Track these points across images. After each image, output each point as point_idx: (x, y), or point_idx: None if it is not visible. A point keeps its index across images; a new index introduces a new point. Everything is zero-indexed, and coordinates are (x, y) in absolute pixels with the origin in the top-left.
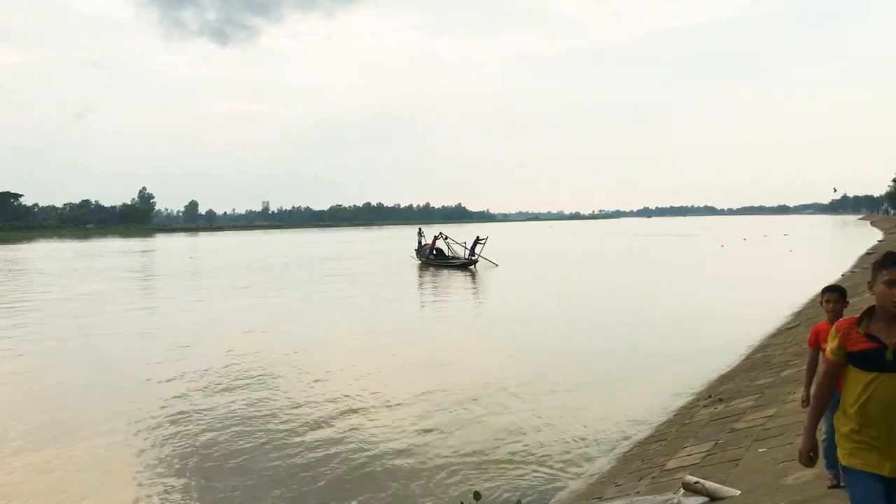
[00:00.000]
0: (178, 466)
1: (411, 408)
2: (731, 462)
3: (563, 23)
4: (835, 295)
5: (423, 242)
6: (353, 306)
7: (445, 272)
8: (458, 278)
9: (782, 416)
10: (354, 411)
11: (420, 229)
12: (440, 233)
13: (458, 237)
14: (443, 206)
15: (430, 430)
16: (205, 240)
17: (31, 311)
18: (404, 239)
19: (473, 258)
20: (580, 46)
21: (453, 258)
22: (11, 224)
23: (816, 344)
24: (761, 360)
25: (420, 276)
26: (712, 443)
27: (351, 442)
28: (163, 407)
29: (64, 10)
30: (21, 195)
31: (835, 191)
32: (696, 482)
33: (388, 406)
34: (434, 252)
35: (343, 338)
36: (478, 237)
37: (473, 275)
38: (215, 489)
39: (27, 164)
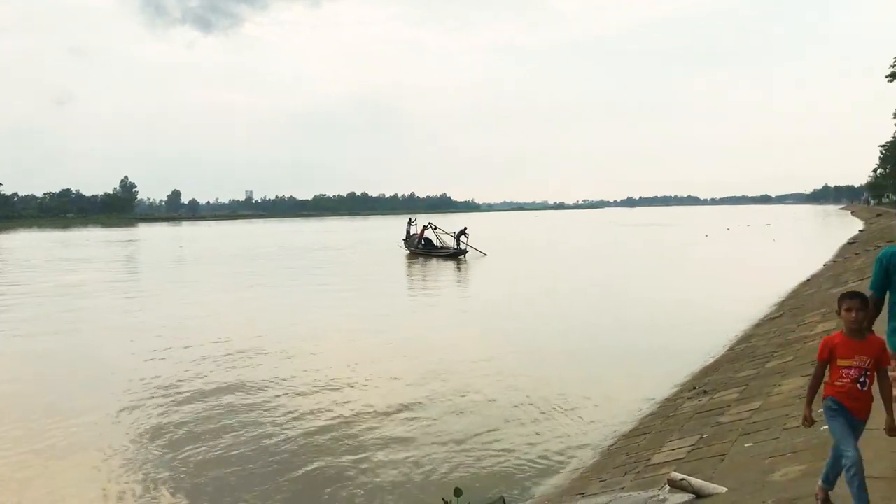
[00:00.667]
0: (158, 459)
1: (395, 401)
2: (717, 457)
3: (548, 14)
4: (856, 302)
5: (413, 232)
6: (340, 297)
7: (434, 262)
8: (446, 268)
9: (768, 409)
10: (339, 404)
11: (411, 219)
12: (429, 223)
13: (445, 227)
14: (428, 196)
15: (413, 425)
16: (188, 229)
17: (20, 304)
18: (391, 229)
19: (462, 248)
20: (566, 38)
21: (442, 248)
22: None
23: (828, 358)
24: (745, 351)
25: (408, 267)
26: (697, 437)
27: (334, 435)
28: (145, 398)
29: None
30: (0, 184)
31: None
32: (682, 479)
33: (371, 399)
34: (423, 242)
35: (330, 329)
36: (463, 229)
37: (462, 265)
38: (198, 484)
39: (6, 153)
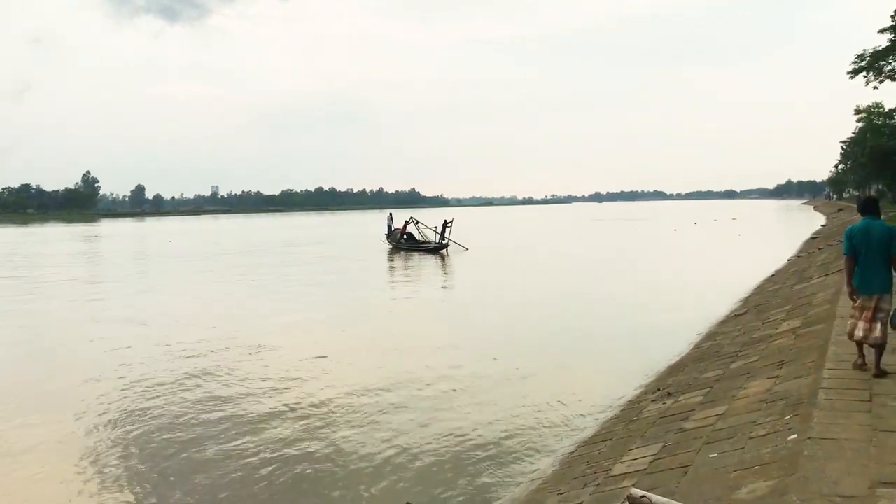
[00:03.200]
0: (127, 461)
1: (360, 401)
2: (681, 469)
3: (515, 8)
4: None
5: (393, 227)
6: (318, 292)
7: (416, 256)
8: (428, 262)
9: (733, 414)
10: (295, 407)
11: (390, 214)
12: (411, 217)
13: (425, 222)
14: (396, 191)
15: (367, 429)
16: (152, 225)
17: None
18: (366, 224)
19: (444, 242)
20: (533, 32)
21: (424, 242)
22: None
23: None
24: (710, 349)
25: (391, 261)
26: (660, 445)
27: (285, 441)
28: (114, 399)
29: None
30: None
31: None
32: (643, 496)
33: (338, 398)
34: (405, 236)
35: (308, 324)
36: (445, 220)
37: (444, 259)
38: (168, 484)
39: None
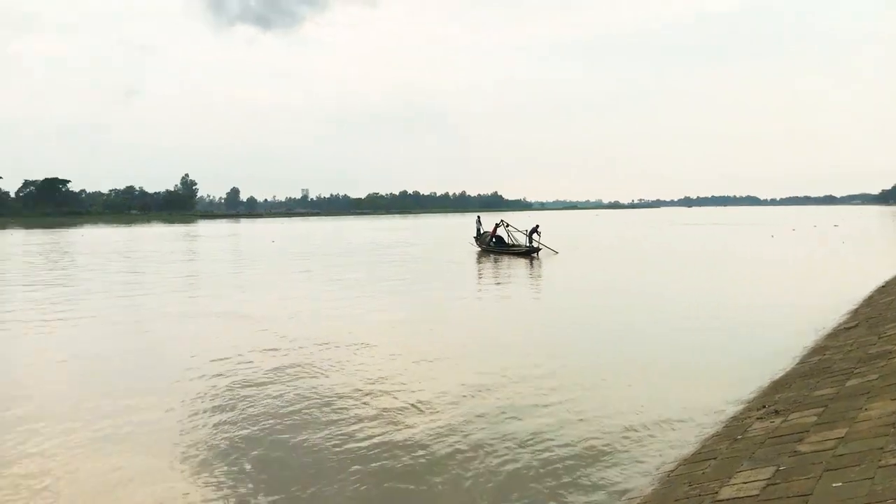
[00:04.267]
0: (226, 453)
1: (454, 404)
2: (800, 498)
3: (591, 9)
4: None
5: (482, 230)
6: (413, 292)
7: (506, 259)
8: (519, 266)
9: (856, 438)
10: (388, 410)
11: (478, 217)
12: (501, 220)
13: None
14: (479, 195)
15: (460, 435)
16: (248, 226)
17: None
18: (454, 228)
19: (535, 246)
20: (610, 32)
21: (514, 246)
22: (59, 209)
23: None
24: (819, 365)
25: (480, 263)
26: (773, 468)
27: (374, 444)
28: (218, 391)
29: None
30: (68, 181)
31: None
32: None
33: (436, 399)
34: (494, 239)
35: (406, 323)
36: (535, 226)
37: (535, 263)
38: (261, 479)
39: (76, 150)
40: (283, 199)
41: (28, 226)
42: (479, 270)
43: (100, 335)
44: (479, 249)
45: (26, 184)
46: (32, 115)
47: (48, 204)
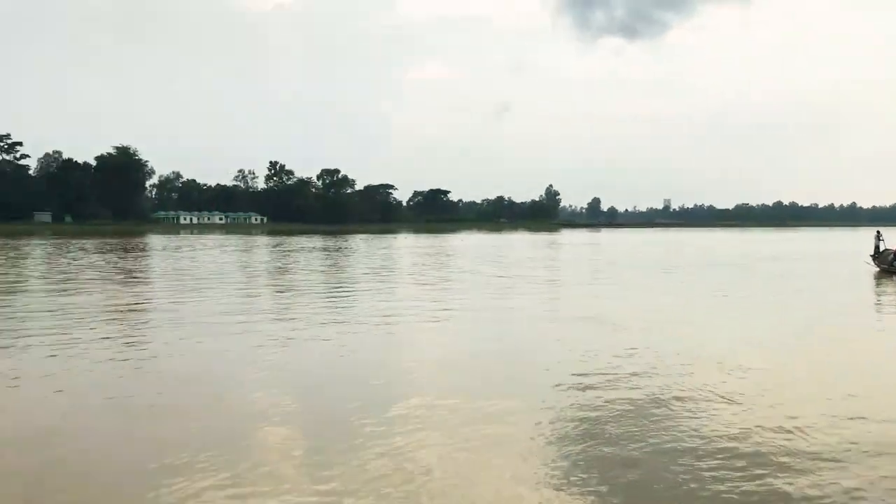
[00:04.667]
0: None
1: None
2: None
3: None
4: None
5: (883, 248)
6: (787, 311)
7: None
8: None
9: None
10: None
11: (878, 232)
12: None
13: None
14: (873, 207)
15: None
16: (609, 235)
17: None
18: (840, 242)
19: None
20: None
21: None
22: (440, 217)
23: None
24: None
25: (878, 286)
26: None
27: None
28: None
29: (485, 23)
30: (448, 191)
31: None
32: None
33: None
34: None
35: (779, 346)
36: None
37: None
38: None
39: (455, 163)
40: (644, 210)
41: (416, 231)
42: (879, 294)
43: (476, 335)
44: (878, 270)
45: (415, 194)
46: (419, 133)
47: (432, 212)
